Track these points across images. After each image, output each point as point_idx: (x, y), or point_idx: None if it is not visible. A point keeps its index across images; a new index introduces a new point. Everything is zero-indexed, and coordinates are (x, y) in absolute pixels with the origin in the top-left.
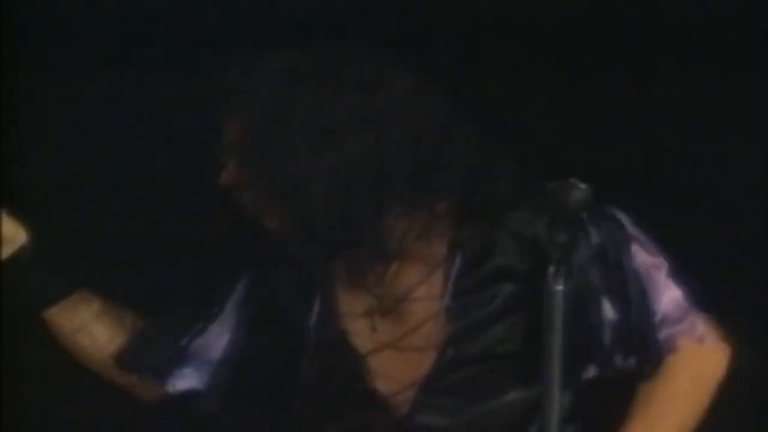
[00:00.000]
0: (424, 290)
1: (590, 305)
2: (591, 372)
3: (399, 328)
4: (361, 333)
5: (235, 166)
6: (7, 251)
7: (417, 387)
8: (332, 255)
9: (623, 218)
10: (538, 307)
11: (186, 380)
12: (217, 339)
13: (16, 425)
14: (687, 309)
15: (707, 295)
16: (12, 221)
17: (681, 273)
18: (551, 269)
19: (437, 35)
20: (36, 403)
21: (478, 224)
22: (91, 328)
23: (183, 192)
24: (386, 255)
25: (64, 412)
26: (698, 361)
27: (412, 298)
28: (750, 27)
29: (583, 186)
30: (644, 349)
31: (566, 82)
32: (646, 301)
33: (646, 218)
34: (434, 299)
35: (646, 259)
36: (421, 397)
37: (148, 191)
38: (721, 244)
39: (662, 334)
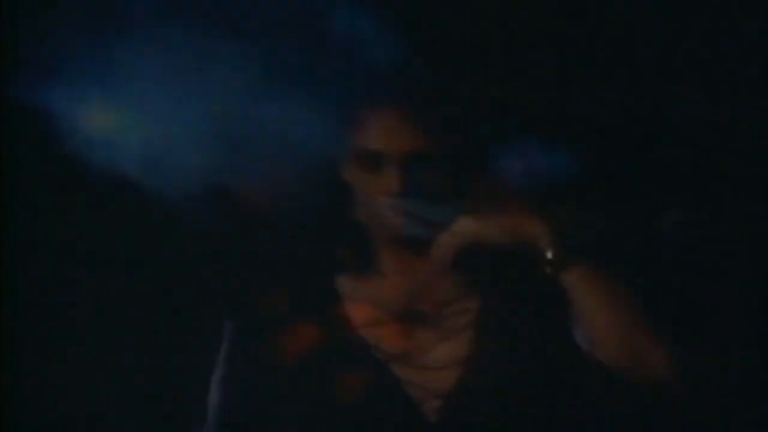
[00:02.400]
0: (463, 303)
1: None
2: None
3: (425, 337)
4: (382, 342)
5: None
6: None
7: (444, 398)
8: None
9: None
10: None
11: None
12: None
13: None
14: None
15: None
16: None
17: None
18: None
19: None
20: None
21: None
22: None
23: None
24: None
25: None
26: None
27: (448, 312)
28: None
29: None
30: None
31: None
32: None
33: None
34: (470, 312)
35: None
36: (449, 407)
37: None
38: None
39: None
